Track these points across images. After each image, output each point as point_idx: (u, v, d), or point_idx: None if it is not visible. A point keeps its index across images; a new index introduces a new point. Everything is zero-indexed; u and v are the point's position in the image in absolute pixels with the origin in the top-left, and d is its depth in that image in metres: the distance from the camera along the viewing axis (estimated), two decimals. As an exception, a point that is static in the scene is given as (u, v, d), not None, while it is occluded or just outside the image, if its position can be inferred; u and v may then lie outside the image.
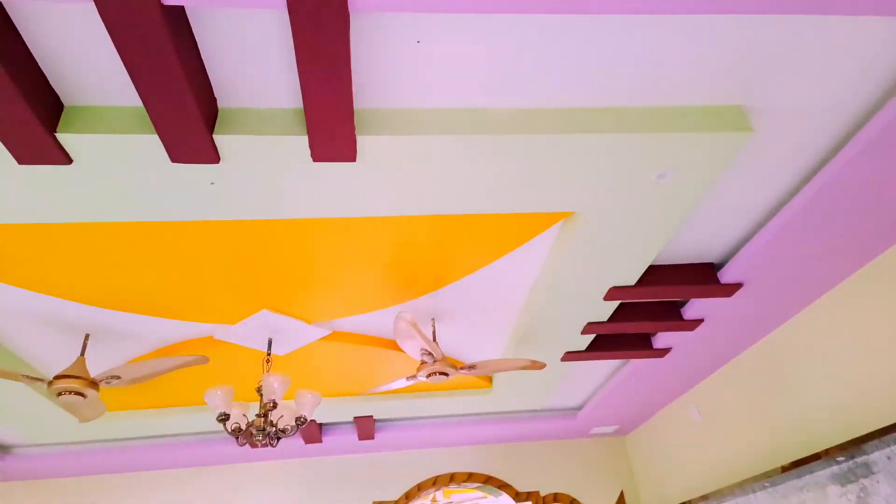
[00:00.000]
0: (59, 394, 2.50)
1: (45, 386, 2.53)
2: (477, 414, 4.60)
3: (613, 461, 5.12)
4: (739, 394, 3.59)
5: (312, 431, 4.29)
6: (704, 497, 3.60)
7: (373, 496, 4.80)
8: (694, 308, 2.95)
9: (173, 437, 4.28)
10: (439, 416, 4.58)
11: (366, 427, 4.35)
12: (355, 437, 4.53)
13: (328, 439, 4.50)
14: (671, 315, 3.06)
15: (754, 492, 3.34)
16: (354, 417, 4.23)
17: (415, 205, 2.06)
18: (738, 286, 2.75)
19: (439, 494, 6.84)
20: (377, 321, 3.04)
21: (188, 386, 3.48)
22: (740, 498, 3.47)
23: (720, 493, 3.45)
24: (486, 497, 6.98)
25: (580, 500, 4.90)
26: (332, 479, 4.84)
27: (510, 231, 2.37)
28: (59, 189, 1.74)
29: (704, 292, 2.76)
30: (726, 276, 2.71)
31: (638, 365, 3.63)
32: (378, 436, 4.56)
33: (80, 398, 2.56)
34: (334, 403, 3.99)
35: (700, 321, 3.06)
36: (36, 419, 3.54)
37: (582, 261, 2.48)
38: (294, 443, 4.48)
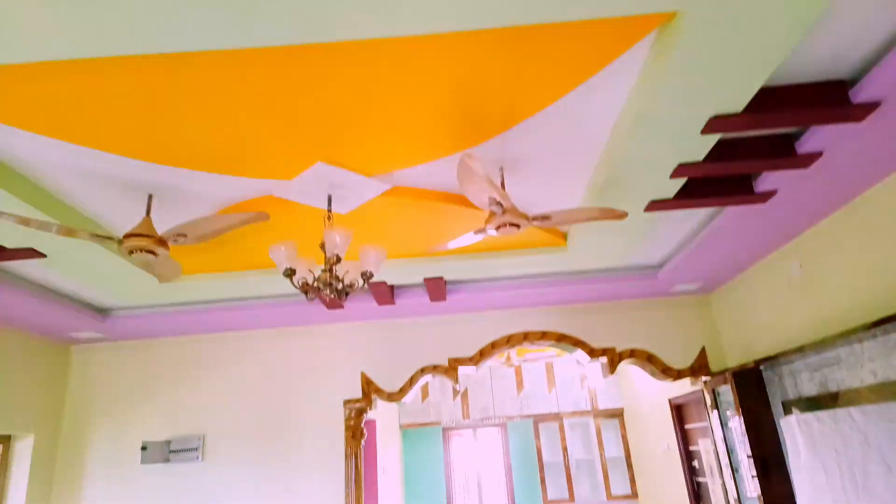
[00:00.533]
0: (131, 252, 2.51)
1: (115, 245, 2.54)
2: (551, 274, 4.45)
3: (695, 319, 4.92)
4: (851, 243, 3.17)
5: (384, 293, 4.31)
6: (801, 349, 3.35)
7: (447, 354, 4.92)
8: (813, 139, 2.49)
9: (255, 300, 4.45)
10: (511, 277, 4.48)
11: (437, 288, 4.32)
12: (427, 298, 4.53)
13: (400, 301, 4.54)
14: (781, 150, 2.61)
15: (861, 342, 3.05)
16: (424, 279, 4.19)
17: (472, 13, 1.70)
18: (873, 106, 2.25)
19: (513, 353, 7.01)
20: (440, 172, 2.81)
21: (259, 249, 3.49)
22: (844, 349, 3.20)
23: (821, 344, 3.18)
24: (560, 354, 7.10)
25: (659, 356, 4.80)
26: (407, 339, 4.97)
27: (592, 46, 1.97)
28: (59, 8, 1.54)
29: (831, 116, 2.29)
30: (861, 94, 2.21)
31: (733, 214, 3.25)
32: (450, 297, 4.55)
33: (152, 256, 2.57)
34: (402, 265, 3.93)
35: (818, 155, 2.60)
36: (124, 282, 3.72)
37: (679, 81, 2.07)
38: (367, 305, 4.55)
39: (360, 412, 4.81)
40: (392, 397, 4.83)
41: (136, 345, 4.96)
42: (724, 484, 5.15)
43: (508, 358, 6.97)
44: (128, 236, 2.51)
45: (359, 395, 4.82)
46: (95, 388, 4.83)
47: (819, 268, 3.47)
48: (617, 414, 8.07)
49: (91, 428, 4.71)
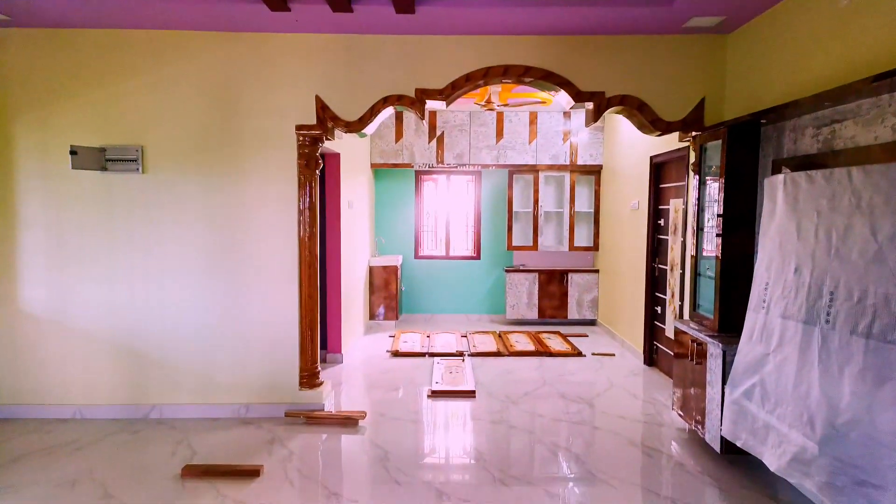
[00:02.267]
0: None
1: None
2: (544, -10, 3.64)
3: (702, 64, 4.27)
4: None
5: (337, -7, 3.52)
6: (818, 96, 2.83)
7: (414, 84, 4.32)
8: None
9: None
10: (496, -9, 3.66)
11: (403, -7, 3.52)
12: (392, 8, 3.75)
13: (359, 8, 3.76)
14: None
15: (892, 91, 2.53)
16: (387, -22, 3.37)
17: None
18: None
19: (495, 97, 6.42)
20: None
21: None
22: (869, 100, 2.69)
23: (845, 91, 2.65)
24: (546, 102, 6.53)
25: (651, 104, 4.27)
26: (368, 61, 4.31)
27: None
28: None
29: None
30: None
31: None
32: (420, 10, 3.77)
33: None
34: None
35: None
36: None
37: None
38: (320, 10, 3.78)
39: (315, 140, 4.39)
40: (350, 127, 4.37)
41: (53, 34, 4.20)
42: (684, 242, 5.14)
43: (489, 101, 6.40)
44: None
45: (313, 121, 4.34)
46: (8, 79, 4.23)
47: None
48: (594, 171, 7.88)
49: (11, 123, 4.26)
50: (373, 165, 7.89)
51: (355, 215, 6.83)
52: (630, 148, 6.59)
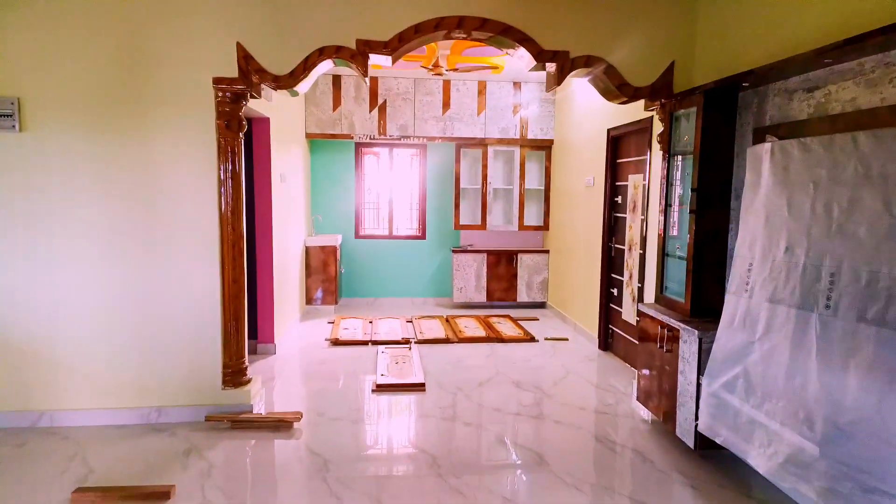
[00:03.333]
0: None
1: None
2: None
3: (673, 25, 3.91)
4: None
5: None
6: (817, 52, 2.48)
7: (355, 34, 3.73)
8: None
9: None
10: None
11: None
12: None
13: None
14: None
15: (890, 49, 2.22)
16: None
17: None
18: None
19: (443, 61, 5.88)
20: None
21: None
22: (874, 57, 2.37)
23: (847, 46, 2.31)
24: (496, 69, 6.05)
25: (618, 67, 3.89)
26: (300, 4, 3.68)
27: None
28: None
29: None
30: None
31: None
32: (362, -57, 3.19)
33: None
34: None
35: None
36: None
37: None
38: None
39: (238, 97, 3.74)
40: (280, 82, 3.74)
41: None
42: (644, 220, 4.85)
43: (437, 65, 5.84)
44: None
45: (235, 73, 3.68)
46: None
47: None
48: (545, 146, 7.52)
49: None
50: (308, 135, 7.19)
51: (289, 190, 6.16)
52: (584, 121, 6.25)
